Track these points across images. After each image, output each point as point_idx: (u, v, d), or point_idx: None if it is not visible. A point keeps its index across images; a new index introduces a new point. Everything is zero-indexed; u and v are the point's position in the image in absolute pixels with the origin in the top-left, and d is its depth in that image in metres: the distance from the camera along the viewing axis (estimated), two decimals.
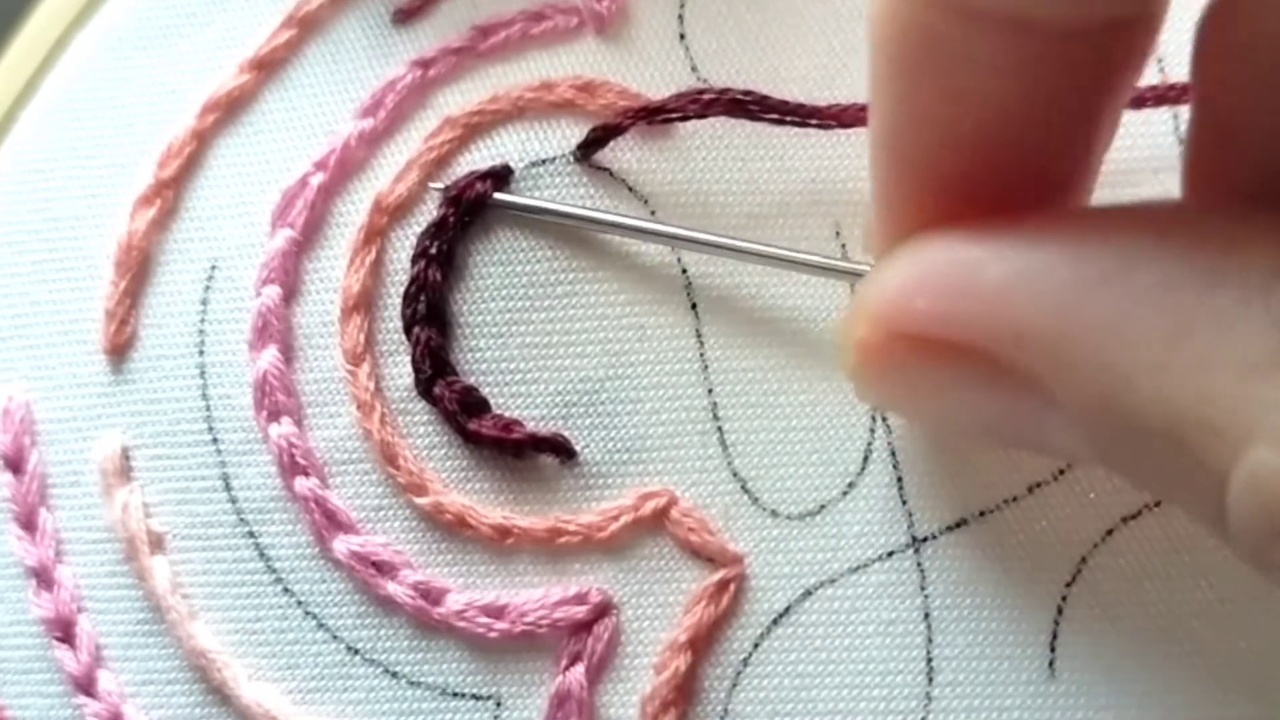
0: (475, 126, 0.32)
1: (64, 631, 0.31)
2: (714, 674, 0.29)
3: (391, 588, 0.30)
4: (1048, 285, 0.22)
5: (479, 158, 0.32)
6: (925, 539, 0.29)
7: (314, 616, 0.31)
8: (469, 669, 0.30)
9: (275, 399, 0.31)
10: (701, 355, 0.30)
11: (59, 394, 0.32)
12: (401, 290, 0.31)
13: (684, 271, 0.31)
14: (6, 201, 0.33)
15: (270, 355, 0.31)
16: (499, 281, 0.31)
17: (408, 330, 0.31)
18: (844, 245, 0.30)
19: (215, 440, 0.31)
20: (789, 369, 0.30)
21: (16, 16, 0.34)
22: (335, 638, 0.30)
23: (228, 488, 0.31)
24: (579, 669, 0.29)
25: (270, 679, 0.30)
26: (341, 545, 0.30)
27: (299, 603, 0.31)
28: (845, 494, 0.29)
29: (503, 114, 0.32)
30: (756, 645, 0.29)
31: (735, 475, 0.30)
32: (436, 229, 0.31)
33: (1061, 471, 0.29)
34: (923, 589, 0.29)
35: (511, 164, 0.32)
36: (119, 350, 0.32)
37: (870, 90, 0.25)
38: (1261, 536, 0.20)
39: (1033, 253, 0.23)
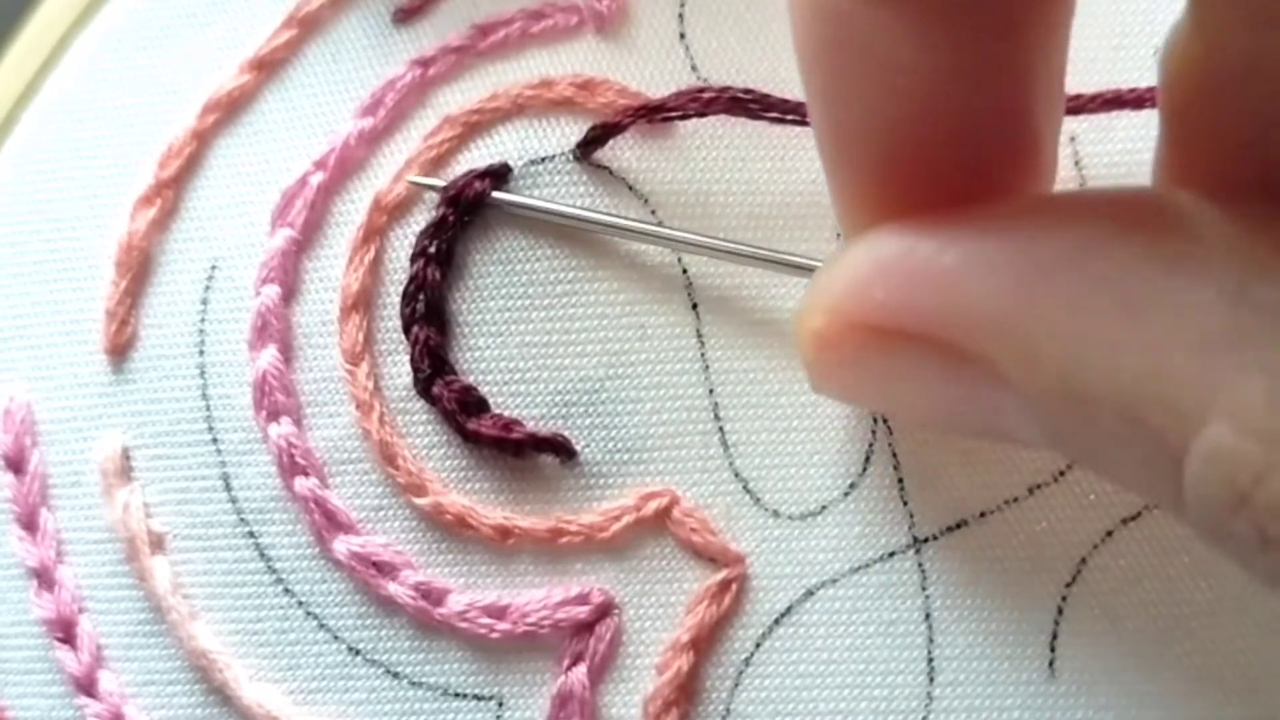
0: (475, 125, 0.32)
1: (65, 632, 0.31)
2: (716, 674, 0.29)
3: (392, 588, 0.30)
4: (1002, 270, 0.22)
5: (478, 156, 0.32)
6: (926, 539, 0.29)
7: (315, 617, 0.31)
8: (471, 669, 0.30)
9: (275, 399, 0.31)
10: (703, 355, 0.30)
11: (60, 394, 0.32)
12: (400, 289, 0.31)
13: (685, 271, 0.31)
14: (8, 202, 0.33)
15: (270, 355, 0.31)
16: (498, 280, 0.31)
17: (406, 329, 0.31)
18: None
19: (215, 440, 0.31)
20: (790, 369, 0.30)
21: (17, 17, 0.34)
22: (336, 638, 0.30)
23: (228, 488, 0.31)
24: (581, 669, 0.29)
25: (271, 679, 0.30)
26: (342, 545, 0.30)
27: (300, 603, 0.31)
28: (846, 494, 0.29)
29: (502, 112, 0.32)
30: (758, 645, 0.29)
31: (737, 475, 0.30)
32: (436, 228, 0.31)
33: (1062, 473, 0.29)
34: (924, 589, 0.29)
35: (511, 162, 0.32)
36: (119, 350, 0.32)
37: (801, 81, 0.25)
38: (1220, 510, 0.20)
39: (987, 239, 0.23)
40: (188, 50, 0.34)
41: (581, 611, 0.30)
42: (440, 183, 0.31)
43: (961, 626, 0.29)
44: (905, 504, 0.29)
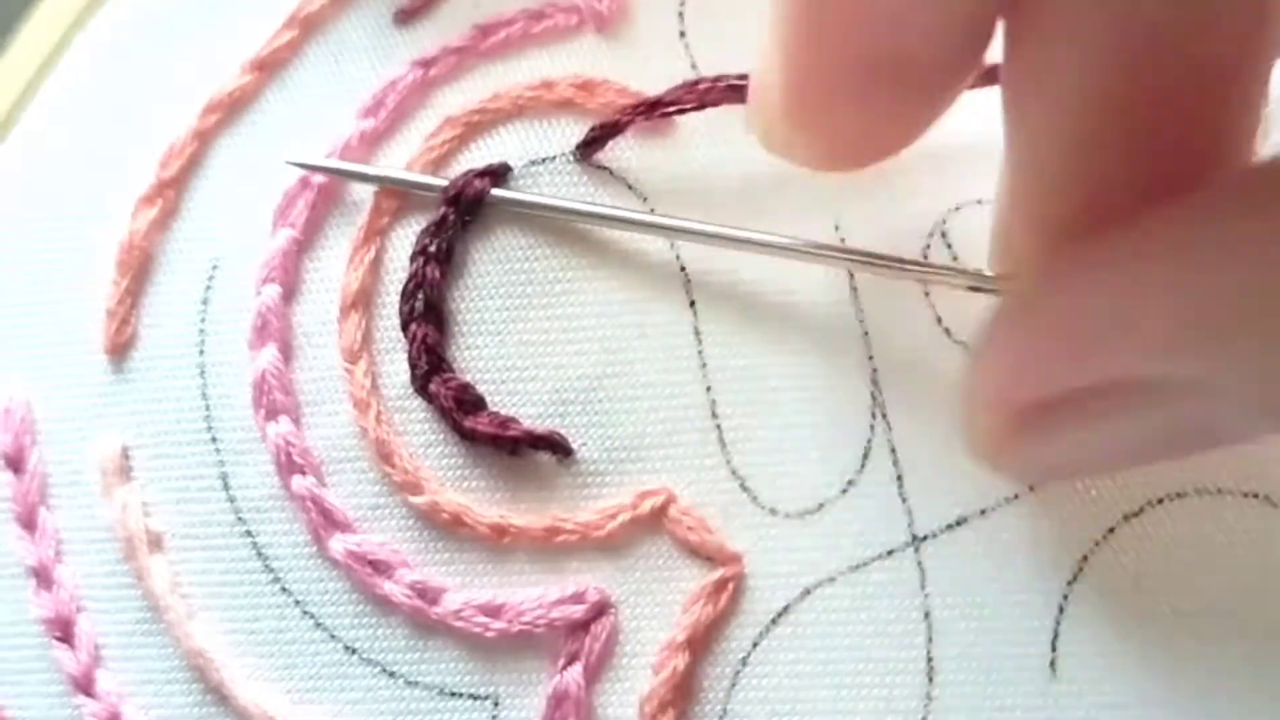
0: (475, 125, 0.32)
1: (63, 631, 0.31)
2: (713, 673, 0.29)
3: (388, 587, 0.30)
4: (1174, 288, 0.21)
5: (479, 157, 0.32)
6: (925, 537, 0.29)
7: (311, 616, 0.30)
8: (466, 668, 0.30)
9: (273, 398, 0.31)
10: (700, 353, 0.30)
11: (59, 393, 0.32)
12: (400, 288, 0.31)
13: (683, 269, 0.30)
14: (8, 201, 0.34)
15: (269, 354, 0.31)
16: (497, 279, 0.31)
17: (405, 327, 0.31)
18: (843, 239, 0.30)
19: (214, 439, 0.31)
20: (788, 366, 0.30)
21: (17, 17, 0.35)
22: (333, 637, 0.30)
23: (226, 487, 0.31)
24: (577, 668, 0.29)
25: (268, 678, 0.30)
26: (338, 544, 0.30)
27: (296, 602, 0.30)
28: (845, 492, 0.29)
29: (503, 113, 0.32)
30: (755, 644, 0.29)
31: (734, 473, 0.30)
32: (436, 227, 0.31)
33: None
34: (923, 588, 0.29)
35: (511, 163, 0.32)
36: (119, 350, 0.32)
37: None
38: None
39: (1137, 264, 0.21)
40: (189, 50, 0.34)
41: (577, 610, 0.29)
42: (333, 164, 0.32)
43: (961, 625, 0.28)
44: (904, 501, 0.29)
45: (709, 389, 0.30)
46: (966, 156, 0.30)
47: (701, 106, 0.31)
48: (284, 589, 0.31)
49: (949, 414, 0.29)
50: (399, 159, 0.32)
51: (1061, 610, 0.28)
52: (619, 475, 0.30)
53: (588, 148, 0.31)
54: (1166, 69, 0.22)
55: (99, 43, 0.34)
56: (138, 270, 0.32)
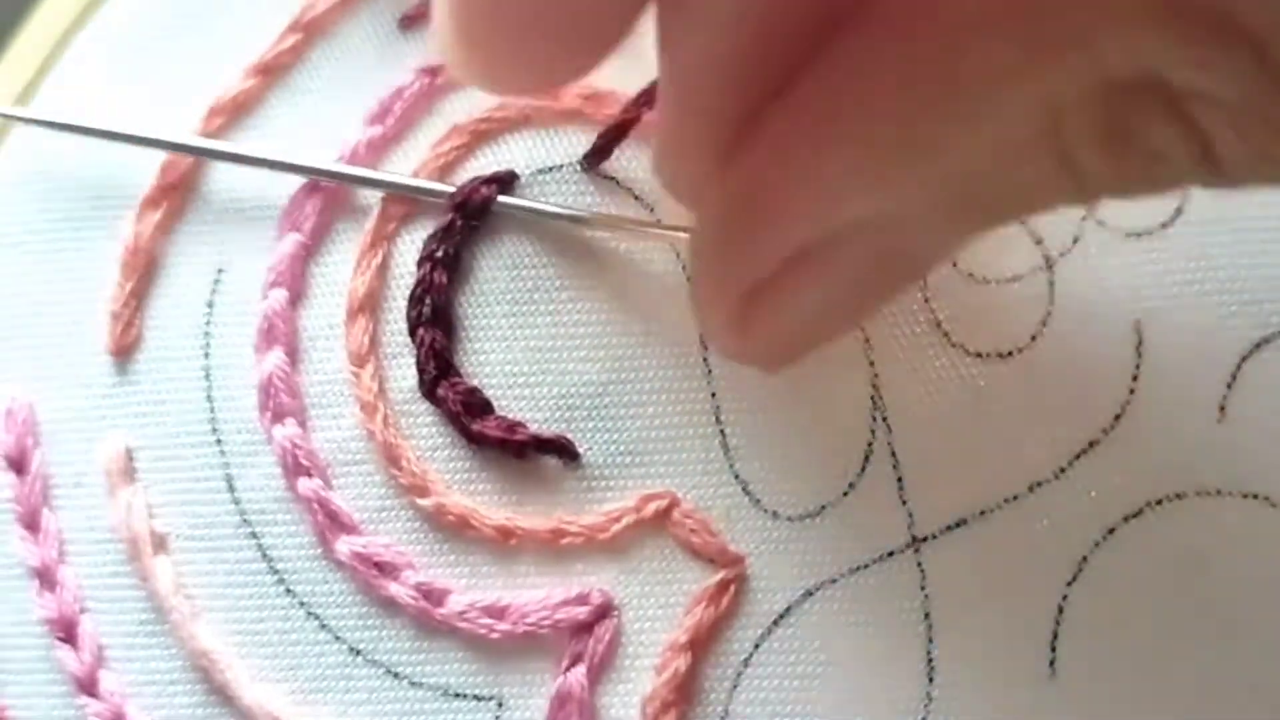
0: (482, 134, 0.32)
1: (66, 632, 0.31)
2: (715, 675, 0.29)
3: (394, 589, 0.30)
4: None
5: (486, 164, 0.32)
6: (925, 539, 0.29)
7: (316, 617, 0.31)
8: (471, 670, 0.30)
9: (280, 401, 0.31)
10: (705, 359, 0.30)
11: (63, 395, 0.32)
12: (407, 293, 0.31)
13: (688, 277, 0.31)
14: (10, 203, 0.34)
15: (276, 358, 0.31)
16: (504, 285, 0.31)
17: (412, 332, 0.31)
18: None
19: (219, 442, 0.32)
20: (791, 372, 0.30)
21: (17, 17, 0.35)
22: (337, 639, 0.30)
23: (231, 489, 0.31)
24: (580, 670, 0.29)
25: (272, 680, 0.30)
26: (344, 546, 0.30)
27: (301, 604, 0.31)
28: (846, 494, 0.29)
29: (510, 122, 0.33)
30: (757, 646, 0.29)
31: (737, 477, 0.30)
32: (443, 233, 0.31)
33: (1063, 469, 0.29)
34: (923, 589, 0.29)
35: (518, 171, 0.32)
36: (124, 352, 0.32)
37: None
38: None
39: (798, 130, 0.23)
40: (190, 52, 0.34)
41: (581, 612, 0.30)
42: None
43: (961, 626, 0.29)
44: (904, 503, 0.29)
45: (713, 394, 0.30)
46: None
47: None
48: (289, 590, 0.31)
49: (949, 416, 0.29)
50: (406, 166, 0.32)
51: (1061, 610, 0.28)
52: (624, 479, 0.30)
53: (594, 157, 0.32)
54: None
55: (98, 44, 0.34)
56: (143, 273, 0.32)
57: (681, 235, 0.30)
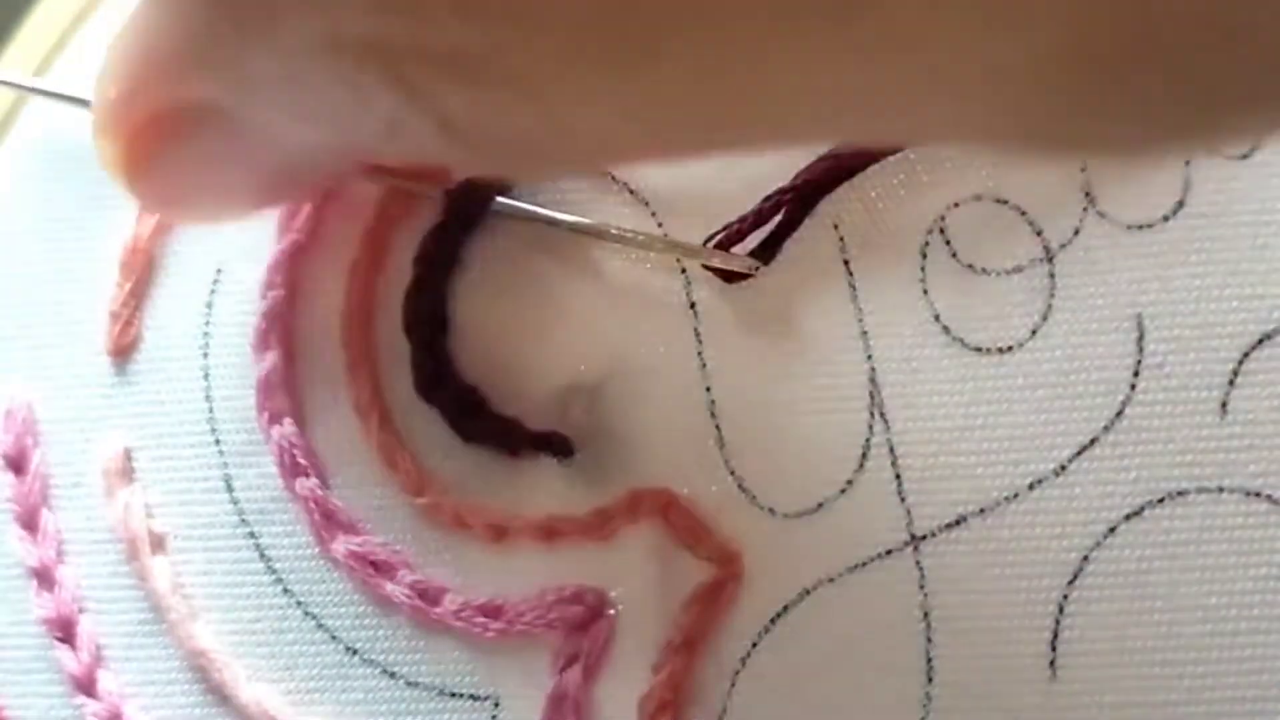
0: None
1: (64, 631, 0.31)
2: (711, 674, 0.29)
3: (390, 588, 0.30)
4: None
5: None
6: (924, 537, 0.29)
7: (313, 617, 0.30)
8: (467, 669, 0.30)
9: (277, 400, 0.31)
10: (700, 354, 0.30)
11: (62, 395, 0.32)
12: (403, 292, 0.31)
13: (683, 271, 0.31)
14: (8, 201, 0.34)
15: (273, 357, 0.31)
16: (499, 284, 0.31)
17: (408, 331, 0.31)
18: (842, 239, 0.30)
19: (218, 442, 0.31)
20: (787, 367, 0.30)
21: (17, 17, 0.35)
22: (334, 638, 0.30)
23: (229, 489, 0.31)
24: (576, 669, 0.29)
25: (269, 679, 0.30)
26: (341, 545, 0.30)
27: (298, 603, 0.31)
28: (843, 491, 0.29)
29: None
30: (754, 645, 0.29)
31: (733, 473, 0.30)
32: (439, 231, 0.31)
33: (1064, 467, 0.28)
34: (922, 587, 0.29)
35: None
36: (123, 352, 0.32)
37: None
38: None
39: None
40: None
41: (576, 611, 0.29)
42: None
43: (961, 625, 0.28)
44: (903, 501, 0.29)
45: (708, 389, 0.30)
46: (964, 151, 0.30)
47: None
48: (286, 590, 0.31)
49: (948, 412, 0.29)
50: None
51: (1061, 610, 0.28)
52: (619, 476, 0.30)
53: None
54: None
55: (99, 42, 0.34)
56: (142, 273, 0.32)
57: (689, 246, 0.30)
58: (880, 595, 0.29)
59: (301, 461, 0.31)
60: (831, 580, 0.29)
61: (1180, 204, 0.29)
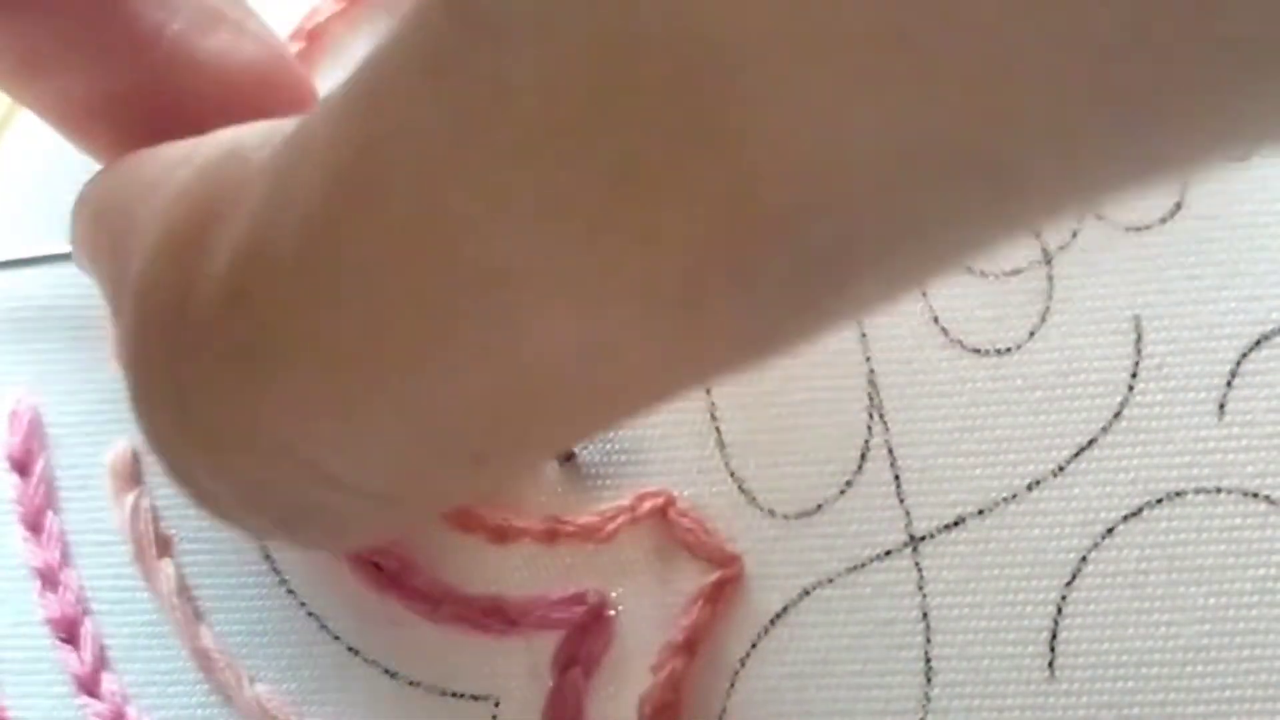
0: None
1: (68, 632, 0.31)
2: (711, 674, 0.29)
3: (392, 589, 0.30)
4: None
5: None
6: (923, 538, 0.29)
7: (316, 617, 0.31)
8: (468, 669, 0.30)
9: None
10: None
11: (70, 398, 0.33)
12: None
13: None
14: (13, 203, 0.34)
15: None
16: None
17: None
18: None
19: None
20: (786, 368, 0.30)
21: None
22: (336, 638, 0.30)
23: None
24: (576, 669, 0.29)
25: (272, 680, 0.31)
26: None
27: (301, 604, 0.31)
28: (843, 493, 0.29)
29: None
30: (754, 646, 0.29)
31: (733, 475, 0.30)
32: None
33: (1062, 468, 0.28)
34: (921, 588, 0.29)
35: None
36: None
37: None
38: None
39: None
40: None
41: (577, 612, 0.29)
42: None
43: (960, 626, 0.28)
44: (902, 502, 0.29)
45: (708, 391, 0.30)
46: None
47: None
48: (290, 591, 0.31)
49: (947, 414, 0.29)
50: None
51: (1060, 610, 0.28)
52: (619, 477, 0.30)
53: None
54: None
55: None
56: None
57: None
58: (879, 596, 0.29)
59: None
60: (831, 581, 0.29)
61: (1178, 206, 0.29)
